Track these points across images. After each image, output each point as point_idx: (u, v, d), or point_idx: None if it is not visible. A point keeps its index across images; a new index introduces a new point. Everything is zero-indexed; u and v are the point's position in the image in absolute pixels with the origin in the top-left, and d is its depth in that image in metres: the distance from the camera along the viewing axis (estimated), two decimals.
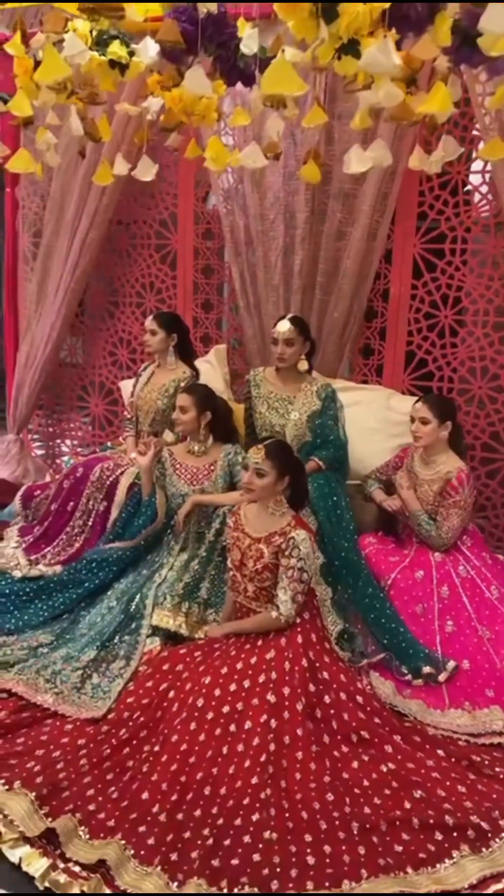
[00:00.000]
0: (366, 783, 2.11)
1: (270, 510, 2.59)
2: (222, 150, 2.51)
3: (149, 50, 2.55)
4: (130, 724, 2.32)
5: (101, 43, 2.63)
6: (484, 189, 3.54)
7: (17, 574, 3.35)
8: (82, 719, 2.37)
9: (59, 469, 4.49)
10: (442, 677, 2.64)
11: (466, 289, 3.65)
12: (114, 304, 4.56)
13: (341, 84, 3.59)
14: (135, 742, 2.26)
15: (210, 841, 1.88)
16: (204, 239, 4.25)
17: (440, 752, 2.26)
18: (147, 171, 2.77)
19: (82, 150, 3.38)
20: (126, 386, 4.40)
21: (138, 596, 2.98)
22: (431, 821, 1.96)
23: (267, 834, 1.91)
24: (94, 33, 2.59)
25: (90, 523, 3.50)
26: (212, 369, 4.04)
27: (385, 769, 2.17)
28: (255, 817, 1.96)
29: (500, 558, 3.17)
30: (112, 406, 4.69)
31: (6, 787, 2.07)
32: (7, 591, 3.15)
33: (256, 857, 1.85)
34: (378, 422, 3.62)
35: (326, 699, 2.35)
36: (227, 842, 1.89)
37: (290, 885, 1.77)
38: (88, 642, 2.81)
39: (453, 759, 2.23)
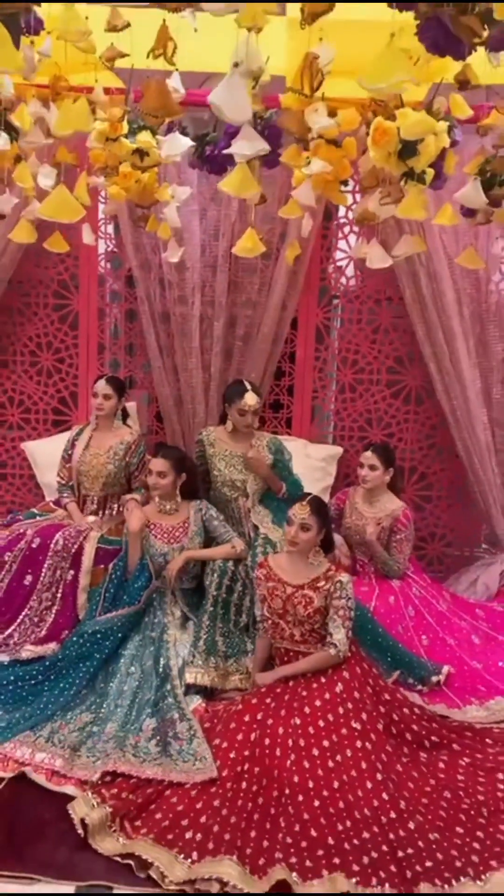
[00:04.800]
0: (461, 778, 2.55)
1: (310, 560, 2.90)
2: (257, 241, 2.79)
3: (179, 144, 2.78)
4: (247, 776, 2.46)
5: (132, 132, 2.75)
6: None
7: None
8: (199, 783, 2.44)
9: None
10: (441, 679, 3.18)
11: (363, 352, 4.29)
12: (1, 363, 4.37)
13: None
14: (263, 791, 2.41)
15: (399, 853, 2.17)
16: (111, 301, 4.34)
17: (488, 740, 2.79)
18: (175, 253, 2.93)
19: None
20: (34, 448, 4.27)
21: (161, 659, 3.05)
22: None
23: (431, 836, 2.26)
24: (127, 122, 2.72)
25: (59, 594, 3.40)
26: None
27: (464, 763, 2.63)
28: (411, 825, 2.29)
29: (433, 579, 3.82)
30: (0, 469, 4.47)
31: (188, 860, 2.12)
32: (11, 677, 2.98)
33: (439, 855, 2.19)
34: (300, 469, 4.05)
35: (395, 717, 2.73)
36: (410, 850, 2.20)
37: (481, 867, 2.15)
38: (134, 712, 2.83)
39: (501, 743, 2.77)
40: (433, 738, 2.72)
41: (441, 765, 2.62)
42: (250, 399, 3.53)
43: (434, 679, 3.16)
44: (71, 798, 2.39)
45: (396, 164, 2.45)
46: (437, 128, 2.20)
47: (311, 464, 4.16)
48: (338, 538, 3.74)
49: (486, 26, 1.90)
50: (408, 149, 2.37)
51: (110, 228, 4.31)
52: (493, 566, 4.13)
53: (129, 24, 2.46)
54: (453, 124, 2.64)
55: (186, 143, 2.79)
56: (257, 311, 4.17)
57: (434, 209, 3.63)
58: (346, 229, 4.22)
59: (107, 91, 3.01)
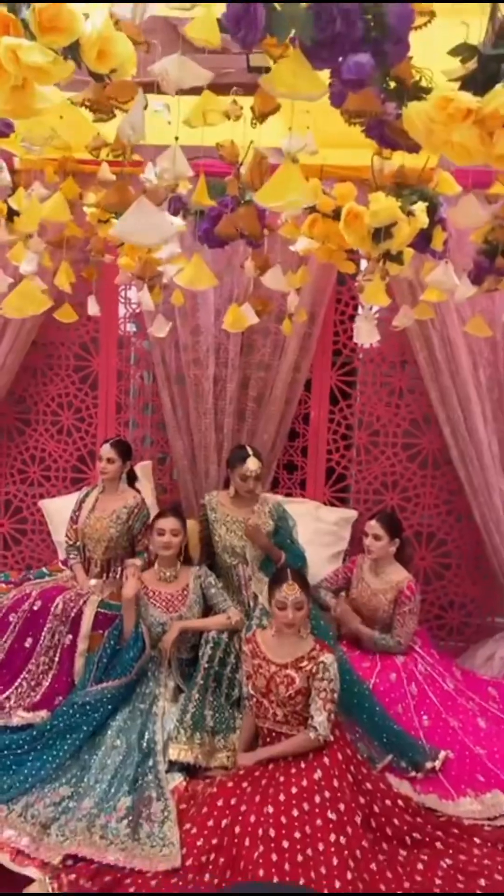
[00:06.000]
0: (438, 882, 2.41)
1: (301, 634, 2.84)
2: (241, 315, 2.81)
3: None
4: (211, 866, 2.40)
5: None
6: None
7: None
8: (161, 872, 2.39)
9: None
10: (437, 765, 3.03)
11: (377, 415, 4.24)
12: (24, 421, 4.51)
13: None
14: (224, 885, 2.34)
15: None
16: (131, 363, 4.43)
17: (476, 839, 2.63)
18: (161, 329, 2.98)
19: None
20: (50, 506, 4.36)
21: (147, 732, 3.02)
22: None
23: None
24: None
25: (57, 659, 3.42)
26: (139, 486, 4.17)
27: (445, 865, 2.49)
28: None
29: (442, 654, 3.68)
30: (20, 525, 4.57)
31: None
32: None
33: None
34: (311, 533, 4.00)
35: (376, 808, 2.62)
36: None
37: None
38: (113, 788, 2.79)
39: (489, 844, 2.62)
40: (415, 834, 2.59)
41: (420, 865, 2.49)
42: (252, 464, 3.52)
43: (429, 765, 3.02)
44: (31, 880, 2.38)
45: (372, 246, 2.43)
46: (400, 216, 2.18)
47: (322, 528, 4.09)
48: (363, 629, 3.57)
49: None
50: (380, 232, 2.35)
51: (131, 293, 4.42)
52: None
53: (114, 115, 2.55)
54: (438, 202, 2.62)
55: (178, 224, 2.84)
56: (270, 372, 4.18)
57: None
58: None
59: (117, 163, 3.11)
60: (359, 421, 4.28)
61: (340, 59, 1.42)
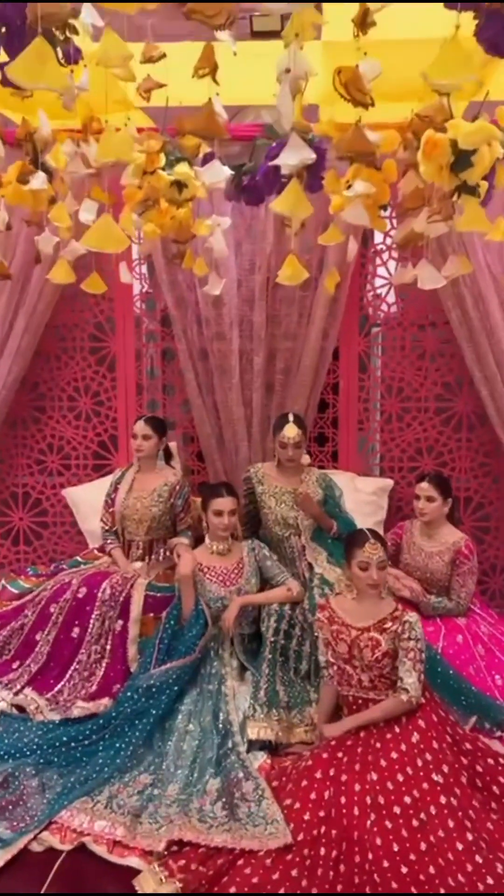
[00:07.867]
0: None
1: (382, 594, 2.73)
2: (299, 267, 2.68)
3: (219, 172, 2.70)
4: (324, 840, 2.26)
5: (169, 164, 2.69)
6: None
7: (45, 717, 3.01)
8: (273, 850, 2.24)
9: None
10: None
11: (408, 380, 4.15)
12: (39, 409, 4.30)
13: None
14: (344, 857, 2.21)
15: None
16: (147, 342, 4.26)
17: None
18: (216, 286, 2.84)
19: (38, 256, 3.29)
20: (74, 495, 4.17)
21: (221, 714, 2.87)
22: None
23: None
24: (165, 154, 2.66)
25: (108, 647, 3.25)
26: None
27: None
28: None
29: (500, 614, 3.60)
30: (40, 517, 4.36)
31: None
32: (64, 738, 2.81)
33: None
34: (351, 503, 3.89)
35: (478, 768, 2.51)
36: None
37: None
38: (196, 773, 2.64)
39: None
40: None
41: None
42: (289, 431, 3.39)
43: None
44: (135, 871, 2.21)
45: (449, 177, 2.33)
46: (497, 135, 2.09)
47: (362, 498, 3.99)
48: (419, 598, 3.48)
49: None
50: (461, 161, 2.25)
51: (144, 269, 4.26)
52: None
53: (164, 55, 2.40)
54: (500, 138, 2.53)
55: (226, 171, 2.71)
56: (297, 342, 4.05)
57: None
58: (385, 255, 4.11)
59: (139, 130, 2.97)
60: (388, 387, 4.18)
61: None
